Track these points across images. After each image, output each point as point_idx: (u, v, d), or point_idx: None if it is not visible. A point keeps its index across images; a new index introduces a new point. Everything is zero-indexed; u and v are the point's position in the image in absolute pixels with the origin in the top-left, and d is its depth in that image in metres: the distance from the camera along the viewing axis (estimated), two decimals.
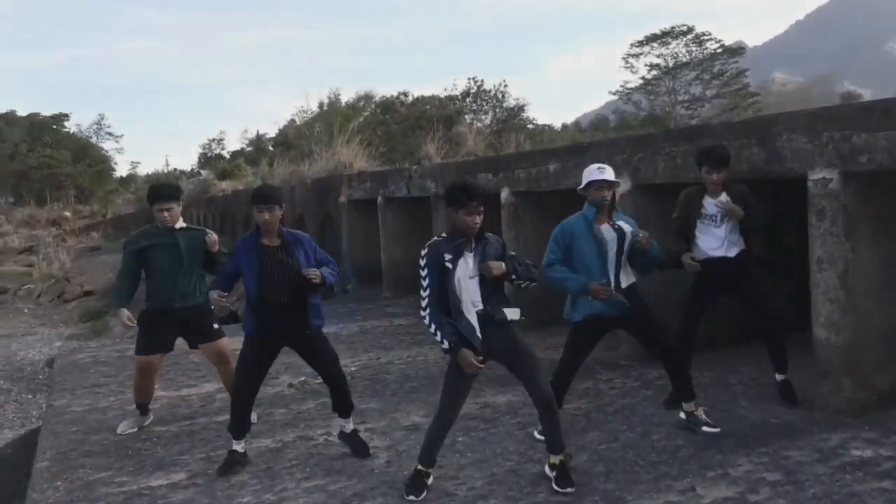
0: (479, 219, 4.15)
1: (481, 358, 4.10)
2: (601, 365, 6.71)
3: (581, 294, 4.74)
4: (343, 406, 5.03)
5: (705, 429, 4.88)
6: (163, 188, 5.81)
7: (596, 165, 4.88)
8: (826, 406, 5.18)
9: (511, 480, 4.44)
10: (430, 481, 4.33)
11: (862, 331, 5.12)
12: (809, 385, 5.38)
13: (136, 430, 5.75)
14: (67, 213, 47.09)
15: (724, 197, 5.33)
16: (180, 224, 5.67)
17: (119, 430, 5.73)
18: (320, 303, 4.93)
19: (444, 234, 4.32)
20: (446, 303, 4.16)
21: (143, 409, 5.86)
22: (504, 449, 4.93)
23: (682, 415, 5.04)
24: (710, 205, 5.38)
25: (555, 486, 4.21)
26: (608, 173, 4.80)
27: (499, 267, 4.15)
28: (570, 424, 5.17)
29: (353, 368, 7.34)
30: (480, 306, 4.17)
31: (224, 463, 4.86)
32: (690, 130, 6.51)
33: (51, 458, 5.28)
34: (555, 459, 4.30)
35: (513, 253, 4.38)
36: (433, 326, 4.15)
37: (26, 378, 12.12)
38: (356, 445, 5.00)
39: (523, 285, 4.27)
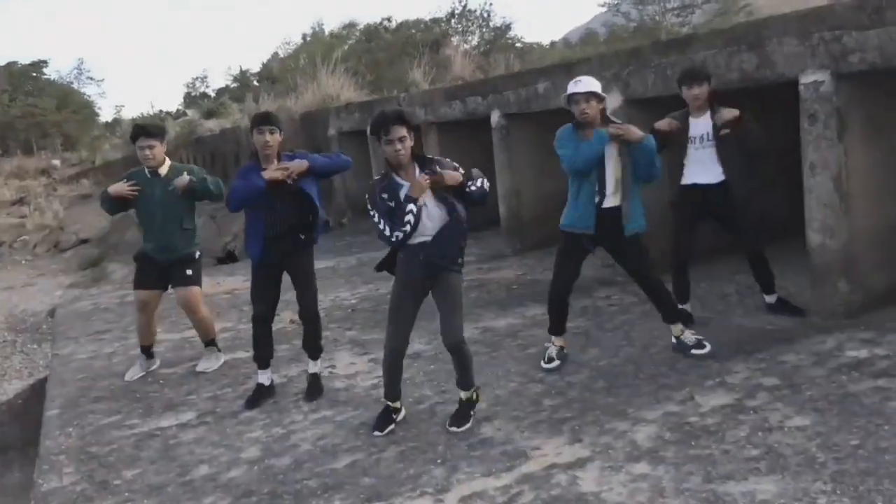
0: (399, 147, 3.99)
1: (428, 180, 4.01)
2: (598, 283, 6.76)
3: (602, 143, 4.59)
4: (310, 346, 5.06)
5: (694, 351, 4.85)
6: (144, 125, 5.68)
7: (575, 79, 4.72)
8: (822, 310, 5.24)
9: (514, 401, 4.52)
10: (398, 417, 4.38)
11: (856, 234, 5.14)
12: (805, 289, 5.42)
13: (143, 374, 5.82)
14: (56, 162, 46.56)
15: (707, 118, 5.16)
16: (166, 167, 5.56)
17: (126, 378, 5.79)
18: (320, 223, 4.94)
19: (381, 172, 4.22)
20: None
21: (146, 352, 5.91)
22: (507, 371, 5.00)
23: (673, 339, 5.00)
24: (694, 125, 5.23)
25: (448, 424, 4.24)
26: (583, 84, 4.61)
27: (453, 177, 4.03)
28: (571, 343, 5.22)
29: (353, 301, 7.40)
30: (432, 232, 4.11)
31: (250, 397, 5.00)
32: (679, 41, 6.38)
33: (60, 405, 5.35)
34: (462, 395, 4.32)
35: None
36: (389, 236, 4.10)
37: (29, 329, 12.23)
38: (311, 387, 5.01)
39: (473, 188, 4.08)
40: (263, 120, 4.77)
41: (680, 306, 5.54)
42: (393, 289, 4.34)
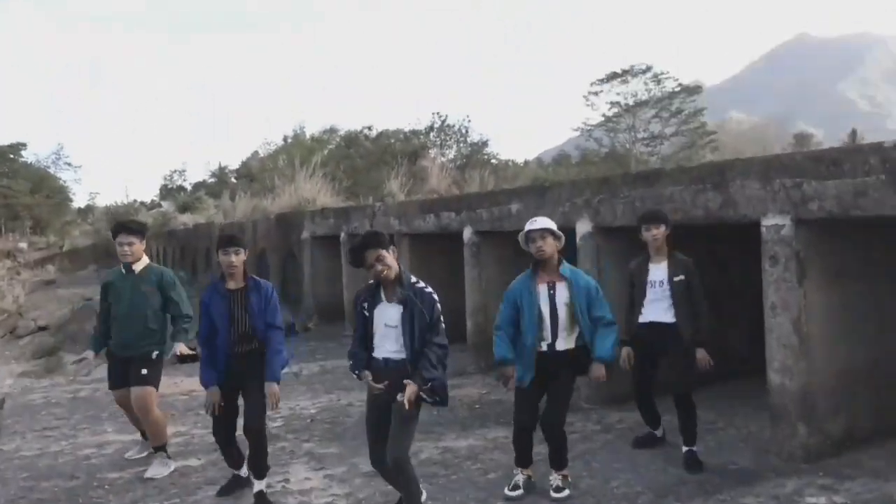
0: (380, 267, 4.13)
1: (381, 385, 4.12)
2: None
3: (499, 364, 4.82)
4: (254, 464, 4.87)
5: (553, 494, 4.80)
6: (125, 222, 5.87)
7: (531, 219, 4.86)
8: (781, 451, 5.25)
9: None
10: None
11: (815, 376, 5.21)
12: (764, 429, 5.44)
13: (143, 455, 5.91)
14: (23, 245, 46.04)
15: (665, 265, 5.39)
16: (142, 264, 5.64)
17: (126, 456, 5.96)
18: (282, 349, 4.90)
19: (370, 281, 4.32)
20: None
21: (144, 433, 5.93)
22: (465, 497, 4.89)
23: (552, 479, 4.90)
24: (653, 270, 5.44)
25: None
26: (538, 223, 4.77)
27: (409, 395, 4.02)
28: (534, 471, 5.14)
29: (312, 411, 7.26)
30: (392, 355, 4.19)
31: (226, 483, 5.08)
32: (648, 175, 6.62)
33: None
34: None
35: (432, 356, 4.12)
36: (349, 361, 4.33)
37: None
38: None
39: (430, 402, 4.16)
40: (228, 242, 4.87)
41: (653, 431, 5.73)
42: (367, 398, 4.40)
